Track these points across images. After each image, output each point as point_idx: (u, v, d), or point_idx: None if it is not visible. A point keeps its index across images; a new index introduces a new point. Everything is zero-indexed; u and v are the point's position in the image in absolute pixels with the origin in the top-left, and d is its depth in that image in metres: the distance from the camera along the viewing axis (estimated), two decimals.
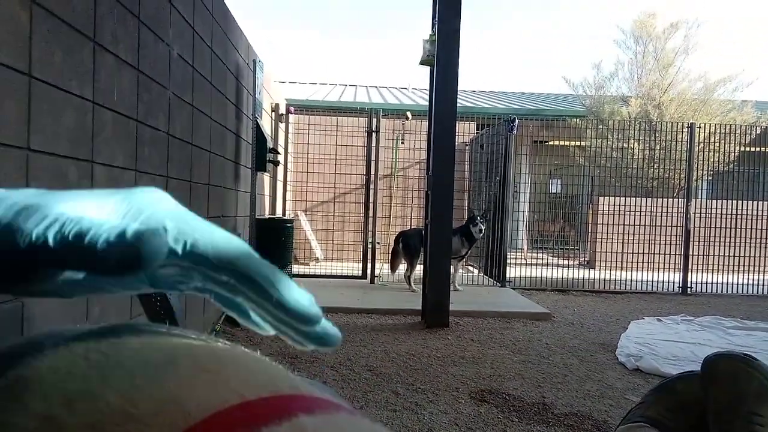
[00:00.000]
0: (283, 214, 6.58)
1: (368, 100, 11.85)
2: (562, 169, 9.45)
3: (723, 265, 7.27)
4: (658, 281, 6.67)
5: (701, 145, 7.99)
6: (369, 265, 6.27)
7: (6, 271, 0.24)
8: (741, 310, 5.38)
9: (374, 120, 6.44)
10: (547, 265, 7.53)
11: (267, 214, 5.85)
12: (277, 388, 0.23)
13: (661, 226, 7.61)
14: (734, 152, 8.45)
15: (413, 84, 17.20)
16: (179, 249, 0.25)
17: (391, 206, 7.87)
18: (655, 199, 8.13)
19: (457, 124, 4.18)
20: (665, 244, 7.45)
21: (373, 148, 6.44)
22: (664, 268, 7.20)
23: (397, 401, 2.48)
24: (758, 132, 8.41)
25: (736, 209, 7.44)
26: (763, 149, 8.08)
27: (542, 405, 2.51)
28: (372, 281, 6.17)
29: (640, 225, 7.61)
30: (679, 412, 1.02)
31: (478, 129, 8.37)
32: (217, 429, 0.19)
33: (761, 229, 7.48)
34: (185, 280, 0.28)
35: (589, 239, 8.84)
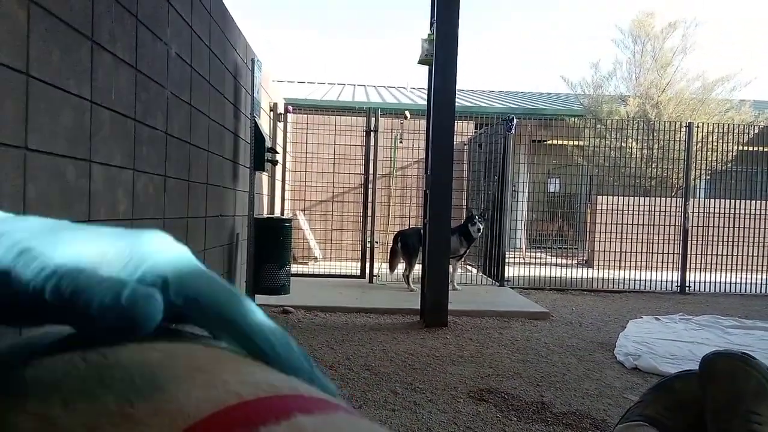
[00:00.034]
0: (282, 214, 6.58)
1: (367, 100, 11.84)
2: (560, 168, 9.46)
3: (721, 264, 7.28)
4: (656, 280, 6.68)
5: (699, 144, 8.01)
6: (367, 265, 6.27)
7: None
8: (739, 309, 5.39)
9: (373, 119, 6.43)
10: (546, 264, 7.53)
11: (265, 214, 5.84)
12: (275, 388, 0.22)
13: (659, 225, 7.62)
14: (732, 151, 8.47)
15: (412, 83, 17.21)
16: (180, 302, 0.25)
17: (389, 205, 7.87)
18: (654, 199, 8.14)
19: (455, 124, 4.18)
20: (663, 243, 7.46)
21: (372, 148, 6.44)
22: (662, 268, 7.21)
23: (395, 400, 2.48)
24: (756, 131, 8.43)
25: (734, 208, 7.46)
26: (761, 148, 8.10)
27: (541, 404, 2.51)
28: (370, 281, 6.17)
29: (638, 224, 7.62)
30: (677, 410, 1.02)
31: (476, 128, 8.38)
32: (215, 429, 0.19)
33: (759, 228, 7.50)
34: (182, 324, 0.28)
35: (587, 238, 8.85)
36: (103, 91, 1.99)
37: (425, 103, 4.57)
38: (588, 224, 8.70)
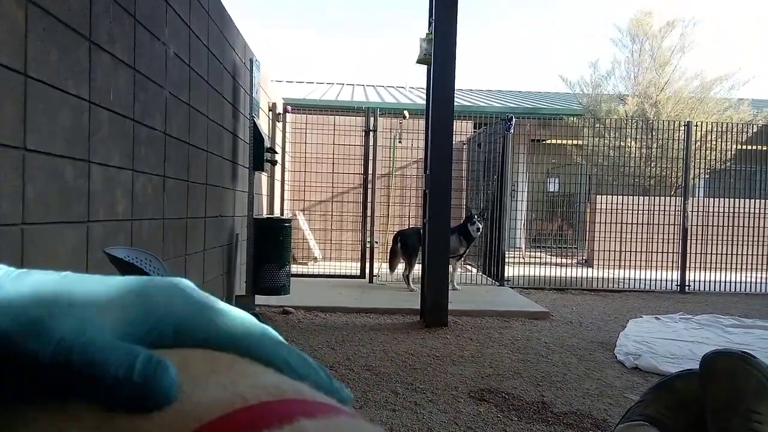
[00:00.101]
0: (281, 214, 6.58)
1: (365, 99, 11.84)
2: (559, 167, 9.46)
3: (721, 263, 7.29)
4: (656, 280, 6.68)
5: (698, 143, 8.01)
6: (367, 265, 6.27)
7: (9, 387, 0.23)
8: (739, 308, 5.39)
9: (372, 119, 6.43)
10: (546, 264, 7.53)
11: (265, 214, 5.84)
12: (280, 391, 0.23)
13: (658, 224, 7.62)
14: (731, 150, 8.47)
15: (410, 83, 17.21)
16: (197, 342, 0.25)
17: (389, 205, 7.87)
18: (653, 198, 8.15)
19: (454, 123, 4.18)
20: (663, 242, 7.46)
21: (371, 147, 6.44)
22: (662, 267, 7.22)
23: (396, 401, 2.47)
24: (755, 130, 8.44)
25: (734, 207, 7.46)
26: (759, 147, 8.10)
27: (541, 404, 2.51)
28: (370, 281, 6.16)
29: (637, 223, 7.63)
30: (678, 410, 1.02)
31: (475, 128, 8.38)
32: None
33: (758, 227, 7.50)
34: None
35: (587, 238, 8.85)
36: (101, 91, 1.99)
37: (424, 102, 4.57)
38: (587, 223, 8.71)
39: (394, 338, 3.63)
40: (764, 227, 7.53)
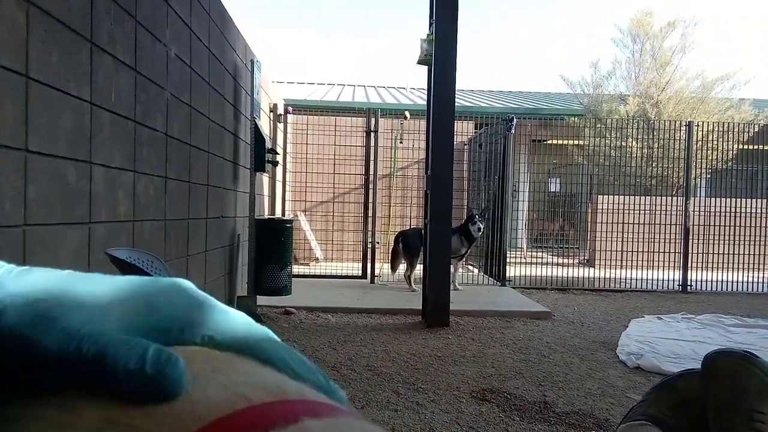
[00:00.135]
0: (283, 215, 6.58)
1: (366, 100, 11.85)
2: (560, 168, 9.45)
3: (722, 262, 7.28)
4: (657, 279, 6.67)
5: (699, 143, 8.00)
6: (369, 265, 6.27)
7: (16, 380, 0.23)
8: (741, 307, 5.38)
9: (373, 120, 6.43)
10: (547, 264, 7.53)
11: (266, 215, 5.84)
12: (283, 392, 0.23)
13: (660, 224, 7.61)
14: (732, 150, 8.46)
15: (411, 83, 17.19)
16: (197, 340, 0.25)
17: (390, 206, 7.87)
18: (654, 198, 8.14)
19: (455, 124, 4.18)
20: (664, 242, 7.45)
21: (372, 148, 6.44)
22: (663, 266, 7.21)
23: (398, 401, 2.47)
24: (756, 130, 8.42)
25: (735, 207, 7.45)
26: (761, 147, 8.09)
27: (543, 404, 2.51)
28: (372, 281, 6.16)
29: (639, 223, 7.62)
30: (680, 409, 1.01)
31: (476, 128, 8.37)
32: None
33: (760, 226, 7.49)
34: None
35: (588, 238, 8.84)
36: (103, 92, 1.99)
37: (425, 103, 4.57)
38: (589, 223, 8.70)
39: (395, 338, 3.63)
40: (766, 227, 7.51)
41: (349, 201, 7.83)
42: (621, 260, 7.41)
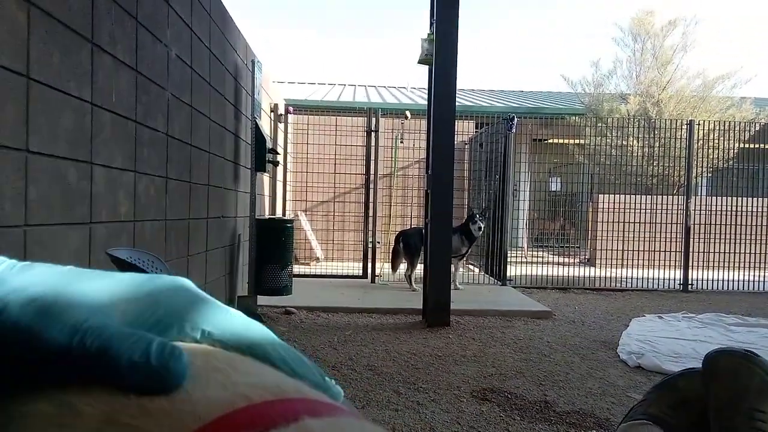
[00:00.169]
0: (283, 215, 6.58)
1: (367, 100, 11.84)
2: (561, 167, 9.45)
3: (723, 262, 7.27)
4: (658, 278, 6.67)
5: (700, 142, 8.00)
6: (369, 265, 6.27)
7: (19, 374, 0.23)
8: (742, 306, 5.38)
9: (373, 119, 6.43)
10: (548, 263, 7.52)
11: (267, 215, 5.84)
12: (282, 391, 0.23)
13: (661, 223, 7.60)
14: (733, 149, 8.45)
15: (412, 83, 17.22)
16: (197, 336, 0.26)
17: (391, 205, 7.87)
18: (655, 197, 8.13)
19: (456, 123, 4.18)
20: (665, 241, 7.44)
21: (373, 148, 6.44)
22: (664, 266, 7.20)
23: (398, 400, 2.47)
24: (757, 128, 8.41)
25: (736, 206, 7.44)
26: (762, 146, 8.08)
27: (544, 403, 2.51)
28: (372, 281, 6.16)
29: (640, 222, 7.61)
30: (680, 409, 1.01)
31: (477, 128, 8.37)
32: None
33: (761, 225, 7.48)
34: None
35: (589, 237, 8.84)
36: (103, 93, 2.00)
37: (426, 102, 4.57)
38: (590, 223, 8.69)
39: (396, 338, 3.63)
40: (767, 225, 7.51)
41: (349, 201, 7.83)
42: (622, 259, 7.41)
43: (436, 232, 4.13)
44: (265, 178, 5.64)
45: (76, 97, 1.81)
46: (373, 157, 6.43)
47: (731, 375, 0.95)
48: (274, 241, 4.24)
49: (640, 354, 3.24)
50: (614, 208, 7.63)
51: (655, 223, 7.66)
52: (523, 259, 7.57)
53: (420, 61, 4.22)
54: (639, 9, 12.08)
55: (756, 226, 7.45)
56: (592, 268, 7.79)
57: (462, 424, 2.23)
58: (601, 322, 4.39)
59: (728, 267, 7.14)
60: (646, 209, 7.70)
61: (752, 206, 7.50)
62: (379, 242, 6.47)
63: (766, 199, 7.62)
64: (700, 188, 9.37)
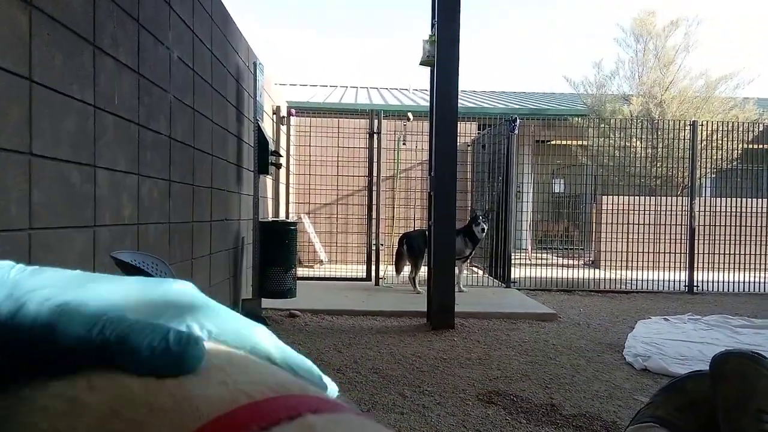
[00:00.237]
0: (287, 217, 6.58)
1: (369, 102, 11.85)
2: (564, 168, 9.43)
3: (729, 263, 7.23)
4: (663, 280, 6.64)
5: (704, 142, 7.97)
6: (373, 267, 6.27)
7: (30, 369, 0.24)
8: (748, 308, 5.35)
9: (375, 121, 6.44)
10: (552, 265, 7.51)
11: (270, 217, 5.85)
12: (285, 388, 0.23)
13: (665, 224, 7.58)
14: (737, 149, 8.42)
15: (414, 85, 17.21)
16: (205, 336, 0.27)
17: (394, 208, 7.87)
18: (659, 198, 8.10)
19: (458, 125, 4.18)
20: (670, 242, 7.41)
21: (375, 150, 6.44)
22: (669, 267, 7.17)
23: (404, 404, 2.46)
24: (761, 129, 8.38)
25: (741, 207, 7.41)
26: (766, 146, 8.05)
27: (550, 406, 2.49)
28: (376, 283, 6.16)
29: (644, 224, 7.58)
30: (688, 411, 1.01)
31: (479, 129, 8.36)
32: (224, 430, 0.20)
33: (766, 226, 7.45)
34: None
35: (593, 239, 8.81)
36: (106, 95, 2.00)
37: (428, 104, 4.57)
38: (594, 224, 8.67)
39: (400, 341, 3.62)
40: None
41: (352, 203, 7.83)
42: (626, 261, 7.38)
43: (440, 234, 4.12)
44: (268, 180, 5.65)
45: (79, 100, 1.81)
46: (375, 159, 6.43)
47: (739, 377, 0.94)
48: (278, 244, 4.24)
49: (647, 356, 3.22)
50: (618, 210, 7.61)
51: (660, 224, 7.63)
52: (527, 261, 7.54)
53: (422, 63, 4.22)
54: (640, 9, 12.06)
55: (761, 227, 7.42)
56: (597, 270, 7.77)
57: (468, 428, 2.22)
58: (606, 325, 4.37)
59: (733, 268, 7.11)
60: (650, 210, 7.68)
61: (756, 207, 7.46)
62: (382, 245, 6.47)
63: None
64: (704, 189, 9.34)
